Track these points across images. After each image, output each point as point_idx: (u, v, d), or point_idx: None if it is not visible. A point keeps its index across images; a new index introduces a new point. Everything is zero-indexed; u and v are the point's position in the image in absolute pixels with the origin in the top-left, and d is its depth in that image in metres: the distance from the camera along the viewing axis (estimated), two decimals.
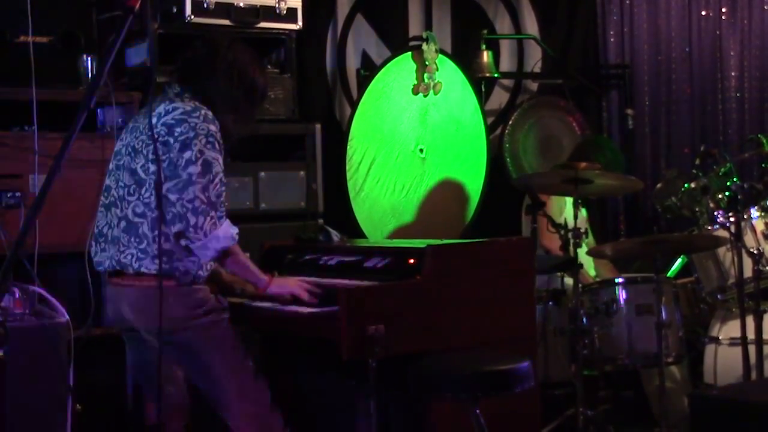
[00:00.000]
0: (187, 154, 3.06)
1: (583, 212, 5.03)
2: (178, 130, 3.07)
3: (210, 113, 3.15)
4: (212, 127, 3.12)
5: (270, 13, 4.50)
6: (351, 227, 4.86)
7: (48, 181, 2.39)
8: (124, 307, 3.20)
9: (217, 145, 3.12)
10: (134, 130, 3.23)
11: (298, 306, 3.27)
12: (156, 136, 3.08)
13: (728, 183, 4.49)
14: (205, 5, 4.30)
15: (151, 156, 3.10)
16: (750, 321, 4.20)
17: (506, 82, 5.99)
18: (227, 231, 3.11)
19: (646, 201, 6.07)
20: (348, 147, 4.95)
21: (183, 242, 3.08)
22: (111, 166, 3.28)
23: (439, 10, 5.73)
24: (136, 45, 4.34)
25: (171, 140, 3.07)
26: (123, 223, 3.15)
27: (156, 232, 3.08)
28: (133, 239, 3.12)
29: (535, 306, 3.79)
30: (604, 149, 5.02)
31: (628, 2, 6.26)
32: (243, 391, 3.21)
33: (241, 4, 4.42)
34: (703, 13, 6.39)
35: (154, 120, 3.11)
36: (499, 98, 5.95)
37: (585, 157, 4.75)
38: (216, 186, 3.10)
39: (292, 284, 3.35)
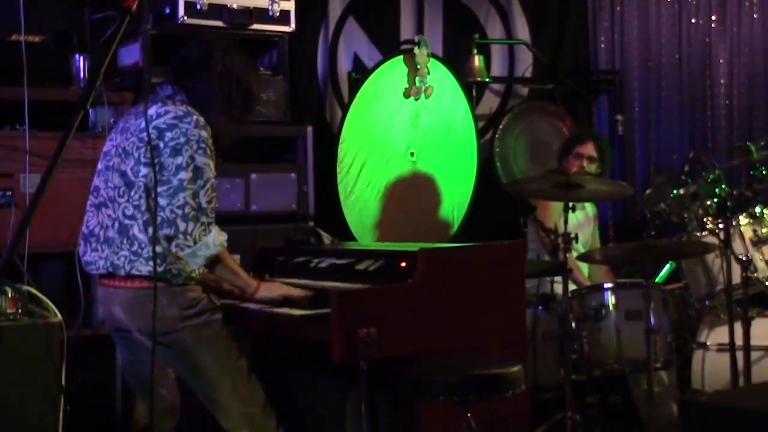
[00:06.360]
0: (178, 160, 3.05)
1: (578, 215, 5.04)
2: (169, 135, 3.06)
3: (201, 119, 3.13)
4: (203, 133, 3.11)
5: (263, 15, 4.49)
6: (341, 230, 4.86)
7: (43, 183, 2.38)
8: (115, 308, 3.19)
9: (208, 151, 3.11)
10: (124, 131, 3.21)
11: (289, 308, 3.27)
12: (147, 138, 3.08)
13: (717, 190, 4.49)
14: (198, 6, 4.29)
15: (142, 159, 3.09)
16: (738, 327, 4.21)
17: (497, 86, 6.01)
18: (217, 238, 3.11)
19: (635, 207, 6.10)
20: (339, 150, 4.94)
21: (173, 248, 3.07)
22: (100, 166, 3.27)
23: (431, 14, 5.74)
24: (128, 45, 4.32)
25: (161, 144, 3.05)
26: (117, 225, 3.13)
27: (147, 235, 3.07)
28: (125, 241, 3.11)
29: (526, 310, 3.80)
30: (602, 138, 5.21)
31: (618, 9, 6.30)
32: (236, 390, 3.21)
33: (234, 6, 4.41)
34: (693, 20, 6.43)
35: (144, 123, 3.11)
36: (489, 103, 5.97)
37: (589, 135, 5.11)
38: (207, 192, 3.08)
39: (280, 288, 3.39)
